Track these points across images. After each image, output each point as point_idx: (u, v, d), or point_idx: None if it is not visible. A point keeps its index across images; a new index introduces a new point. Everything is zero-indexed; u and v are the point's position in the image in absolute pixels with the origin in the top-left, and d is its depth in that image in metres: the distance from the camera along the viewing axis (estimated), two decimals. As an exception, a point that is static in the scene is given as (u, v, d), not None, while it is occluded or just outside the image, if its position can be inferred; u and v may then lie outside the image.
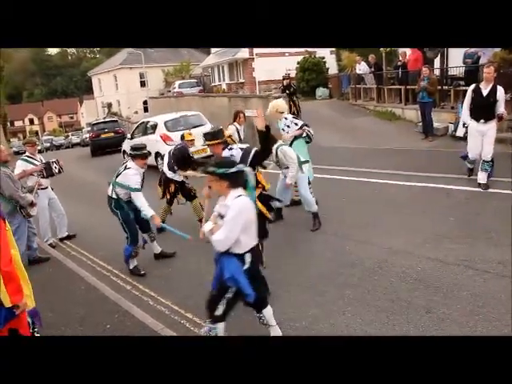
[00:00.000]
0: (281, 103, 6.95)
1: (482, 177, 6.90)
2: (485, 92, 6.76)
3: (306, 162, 6.58)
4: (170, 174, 7.12)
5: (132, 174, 5.51)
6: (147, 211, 5.46)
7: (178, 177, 7.12)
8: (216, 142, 4.58)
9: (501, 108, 6.78)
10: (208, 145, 4.73)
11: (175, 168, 7.07)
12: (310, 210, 6.46)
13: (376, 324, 3.93)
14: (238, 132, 8.77)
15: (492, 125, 6.82)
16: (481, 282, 4.37)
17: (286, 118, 6.91)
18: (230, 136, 4.69)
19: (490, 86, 6.75)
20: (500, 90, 6.76)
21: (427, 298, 4.21)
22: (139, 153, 5.64)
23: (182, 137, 7.46)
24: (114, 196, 5.65)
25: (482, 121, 6.79)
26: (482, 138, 6.84)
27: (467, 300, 4.08)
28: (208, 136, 4.67)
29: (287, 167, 6.13)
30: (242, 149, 4.51)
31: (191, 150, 7.47)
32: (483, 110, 6.78)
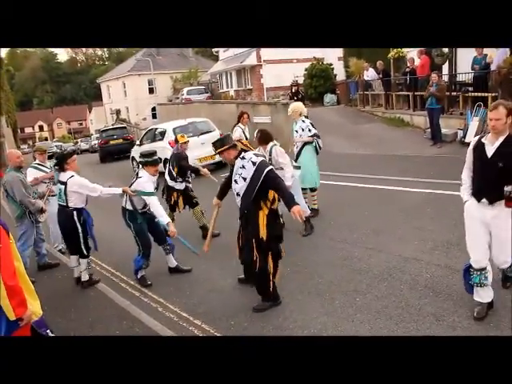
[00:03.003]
0: (302, 106, 7.28)
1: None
2: (490, 151, 3.73)
3: (298, 167, 6.60)
4: (170, 183, 7.13)
5: (144, 182, 5.42)
6: (164, 218, 5.35)
7: (179, 185, 7.11)
8: (226, 147, 4.50)
9: None
10: (219, 152, 4.61)
11: (175, 176, 7.07)
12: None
13: (385, 331, 3.90)
14: (244, 132, 9.12)
15: (502, 209, 3.70)
16: (491, 289, 4.32)
17: (303, 121, 7.00)
18: (239, 140, 4.63)
19: (501, 140, 3.69)
20: None
21: (437, 306, 4.17)
22: (150, 159, 5.56)
23: (176, 140, 7.39)
24: (129, 207, 5.52)
25: (483, 201, 3.79)
26: (487, 230, 3.82)
27: (478, 308, 4.03)
28: (218, 143, 4.57)
29: (281, 168, 6.14)
30: (254, 163, 4.34)
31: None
32: (487, 182, 3.76)
